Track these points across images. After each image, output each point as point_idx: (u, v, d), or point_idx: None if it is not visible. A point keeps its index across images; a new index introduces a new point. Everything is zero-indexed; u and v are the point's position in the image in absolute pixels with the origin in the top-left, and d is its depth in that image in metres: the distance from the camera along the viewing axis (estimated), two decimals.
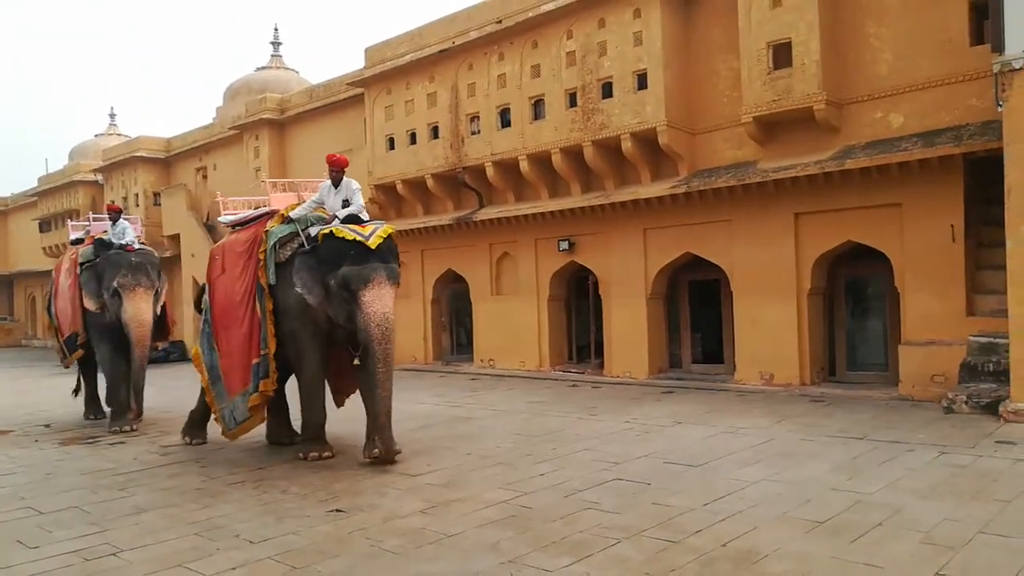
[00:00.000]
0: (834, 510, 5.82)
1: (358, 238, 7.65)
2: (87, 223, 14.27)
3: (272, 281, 8.24)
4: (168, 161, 28.54)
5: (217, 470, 8.10)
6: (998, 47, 9.06)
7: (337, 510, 6.37)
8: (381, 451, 7.66)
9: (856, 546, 5.04)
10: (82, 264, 11.40)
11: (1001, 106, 9.08)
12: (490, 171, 16.11)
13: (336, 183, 8.39)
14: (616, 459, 7.90)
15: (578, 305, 16.78)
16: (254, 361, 8.25)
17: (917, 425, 9.10)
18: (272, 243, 8.30)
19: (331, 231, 7.79)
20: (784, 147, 12.50)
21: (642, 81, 13.53)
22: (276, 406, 9.28)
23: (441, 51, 16.65)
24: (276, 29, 33.20)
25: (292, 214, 8.47)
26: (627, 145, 13.80)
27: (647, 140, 13.70)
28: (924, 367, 10.93)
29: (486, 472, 7.56)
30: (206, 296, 9.33)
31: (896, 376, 11.49)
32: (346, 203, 8.26)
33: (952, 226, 10.92)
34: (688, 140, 13.73)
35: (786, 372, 12.63)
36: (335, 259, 7.67)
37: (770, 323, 12.77)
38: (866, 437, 8.54)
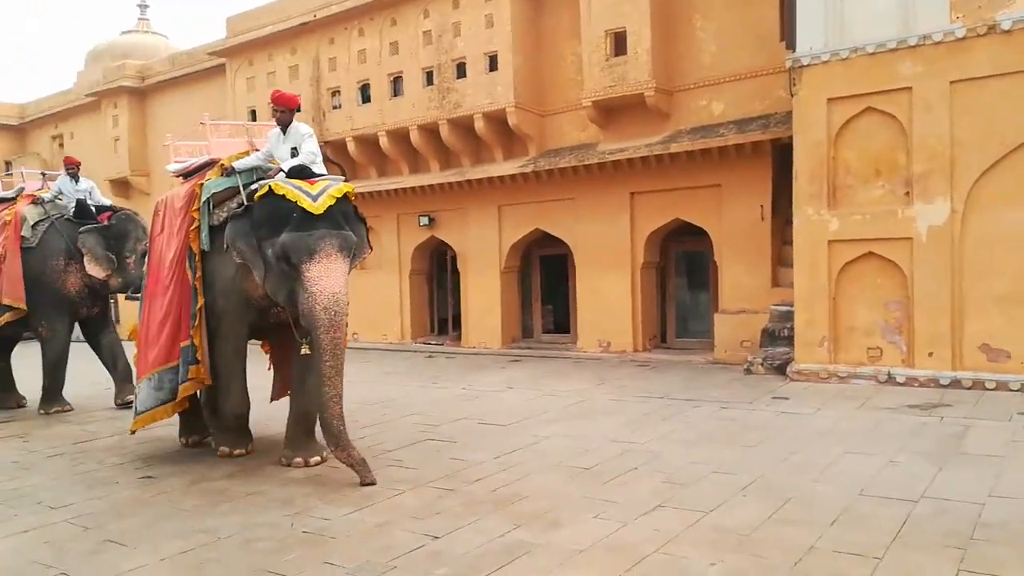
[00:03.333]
0: (603, 458, 6.59)
1: (301, 199, 6.08)
2: (17, 180, 12.13)
3: (205, 246, 6.77)
4: (22, 128, 26.94)
5: (39, 444, 8.15)
6: (791, 45, 10.07)
7: (148, 476, 6.65)
8: (348, 463, 6.12)
9: (606, 486, 5.79)
10: (35, 224, 10.06)
11: (793, 98, 10.12)
12: (351, 146, 16.29)
13: (284, 127, 6.74)
14: (437, 422, 8.47)
15: (440, 279, 17.29)
16: (183, 343, 6.85)
17: (716, 385, 10.15)
18: (206, 199, 6.81)
19: (270, 187, 6.22)
20: (621, 130, 13.33)
21: (493, 63, 14.05)
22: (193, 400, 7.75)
23: (302, 24, 16.59)
24: None
25: (236, 164, 6.85)
26: (480, 125, 14.31)
27: (498, 120, 14.25)
28: (735, 333, 12.09)
29: None
30: (147, 257, 8.01)
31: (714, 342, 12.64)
32: (295, 152, 6.69)
33: (762, 206, 12.05)
34: (537, 121, 14.37)
35: (621, 340, 13.59)
36: (273, 223, 6.16)
37: (608, 295, 13.68)
38: (666, 396, 9.47)
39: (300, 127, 6.77)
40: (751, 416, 8.15)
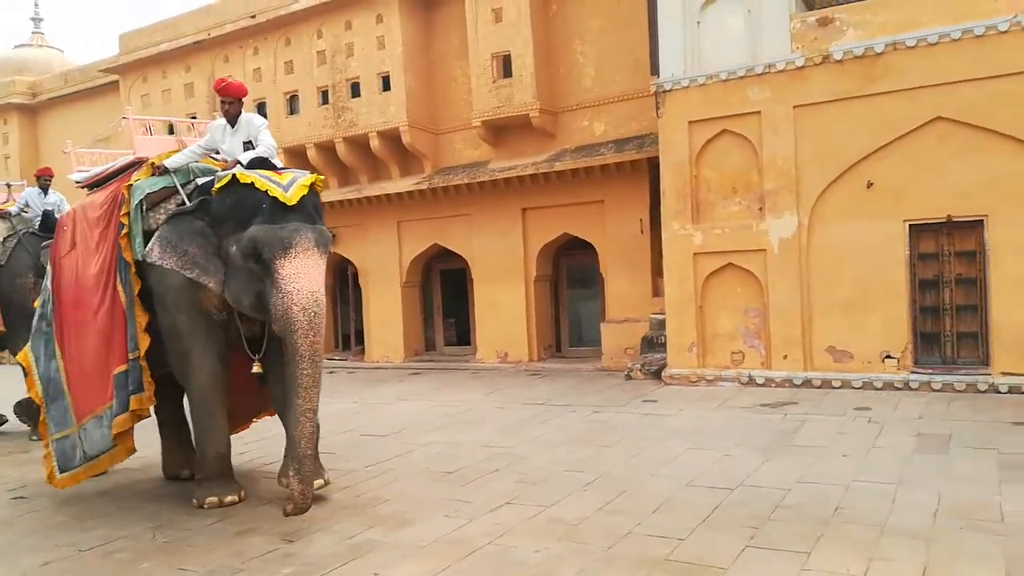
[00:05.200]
0: (471, 462, 7.00)
1: (272, 188, 5.51)
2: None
3: (140, 255, 5.92)
4: None
5: None
6: (655, 70, 10.80)
7: (20, 497, 6.70)
8: (295, 493, 5.28)
9: (465, 488, 6.19)
10: (3, 240, 9.60)
11: (659, 120, 10.85)
12: None
13: (232, 120, 6.14)
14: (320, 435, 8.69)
15: (342, 294, 17.46)
16: (117, 369, 5.95)
17: (597, 390, 10.73)
18: (138, 201, 5.99)
19: (233, 177, 5.62)
20: (511, 149, 13.90)
21: (386, 83, 14.42)
22: (173, 428, 7.21)
23: (196, 42, 16.59)
24: (36, 3, 30.64)
25: (168, 162, 6.14)
26: (375, 143, 14.63)
27: (393, 138, 14.61)
28: (620, 341, 12.75)
29: None
30: (47, 282, 6.93)
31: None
32: (248, 146, 6.13)
33: (641, 220, 12.76)
34: (431, 139, 14.79)
35: (518, 350, 14.10)
36: (239, 216, 5.54)
37: (504, 307, 14.17)
38: (547, 403, 9.98)
39: (253, 118, 6.22)
40: (617, 418, 8.72)
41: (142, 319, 5.98)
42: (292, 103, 15.79)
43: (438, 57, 14.76)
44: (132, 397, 5.88)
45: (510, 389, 11.42)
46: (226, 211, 5.65)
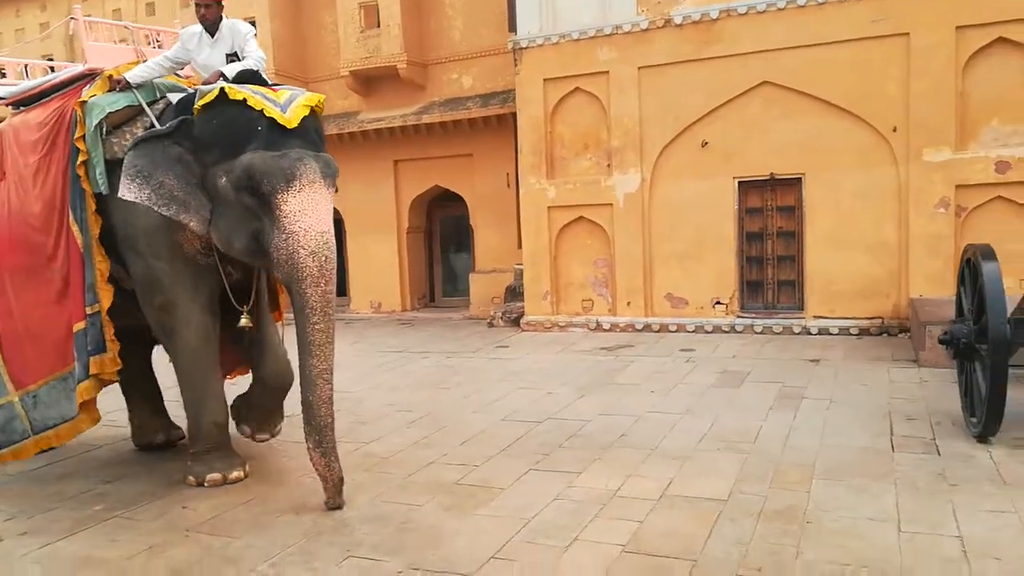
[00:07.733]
0: None
1: (268, 107, 4.52)
2: None
3: (102, 188, 4.92)
4: None
5: None
6: (513, 27, 11.10)
7: None
8: (319, 468, 4.67)
9: (299, 430, 6.35)
10: None
11: (516, 77, 11.19)
12: None
13: (211, 28, 5.17)
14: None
15: None
16: (77, 327, 4.97)
17: (457, 338, 11.20)
18: (96, 122, 4.89)
19: (221, 93, 4.54)
20: (382, 100, 13.96)
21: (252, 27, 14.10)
22: (142, 390, 6.21)
23: None
24: None
25: (129, 75, 5.04)
26: None
27: None
28: (488, 291, 13.25)
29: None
30: None
31: None
32: (233, 59, 5.17)
33: (507, 174, 13.16)
34: (300, 87, 14.63)
35: (391, 301, 14.41)
36: (229, 141, 4.58)
37: (377, 258, 14.40)
38: (406, 350, 10.38)
39: (238, 25, 5.27)
40: (466, 363, 9.21)
41: (103, 266, 5.00)
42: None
43: (306, 3, 14.54)
44: (92, 359, 4.96)
45: (376, 338, 11.75)
46: (212, 134, 4.66)
